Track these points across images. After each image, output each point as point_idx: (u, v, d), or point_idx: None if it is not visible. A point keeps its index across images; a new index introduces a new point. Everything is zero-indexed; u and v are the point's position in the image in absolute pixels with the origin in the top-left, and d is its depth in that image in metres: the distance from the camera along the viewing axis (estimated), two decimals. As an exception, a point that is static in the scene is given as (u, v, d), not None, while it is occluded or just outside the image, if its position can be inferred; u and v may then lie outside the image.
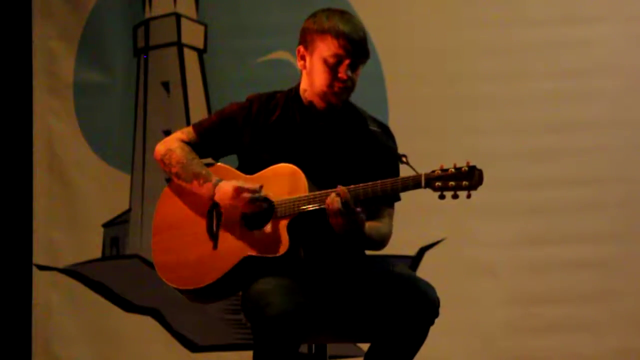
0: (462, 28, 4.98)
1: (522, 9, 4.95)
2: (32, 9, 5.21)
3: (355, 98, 3.40)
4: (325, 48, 3.18)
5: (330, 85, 3.20)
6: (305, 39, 3.24)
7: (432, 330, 3.18)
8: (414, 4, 5.03)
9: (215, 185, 3.22)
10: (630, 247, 4.84)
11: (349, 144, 3.30)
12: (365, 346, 3.31)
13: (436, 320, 3.16)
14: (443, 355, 4.75)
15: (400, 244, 4.74)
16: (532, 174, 4.90)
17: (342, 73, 3.18)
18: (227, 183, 3.21)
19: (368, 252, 3.37)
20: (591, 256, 4.86)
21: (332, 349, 3.42)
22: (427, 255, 4.95)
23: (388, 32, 4.97)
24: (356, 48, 3.18)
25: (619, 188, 4.86)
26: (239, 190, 3.17)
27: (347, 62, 3.18)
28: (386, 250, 3.42)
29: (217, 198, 3.22)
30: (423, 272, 4.71)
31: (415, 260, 4.93)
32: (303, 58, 3.26)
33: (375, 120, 3.37)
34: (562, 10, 4.93)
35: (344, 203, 3.04)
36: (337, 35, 3.17)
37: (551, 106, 4.90)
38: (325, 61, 3.19)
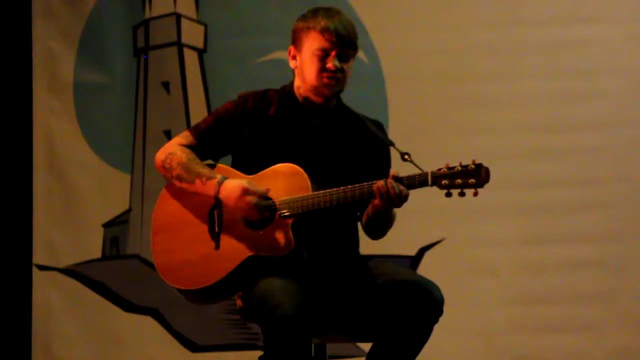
0: (462, 28, 4.98)
1: (522, 9, 4.95)
2: (32, 9, 5.21)
3: (356, 98, 3.41)
4: (312, 43, 3.27)
5: (319, 77, 3.27)
6: (295, 39, 3.34)
7: (433, 329, 3.18)
8: (414, 4, 5.03)
9: (220, 183, 3.22)
10: (630, 247, 4.84)
11: (347, 140, 3.33)
12: (365, 346, 3.31)
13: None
14: (443, 355, 4.75)
15: (400, 244, 4.79)
16: (532, 174, 4.89)
17: (330, 64, 3.26)
18: (233, 181, 3.22)
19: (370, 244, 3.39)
20: (591, 256, 4.86)
21: (332, 349, 3.42)
22: (427, 255, 4.94)
23: (388, 32, 4.98)
24: (340, 39, 3.26)
25: (619, 188, 4.86)
26: (244, 191, 3.18)
27: (333, 53, 3.26)
28: (386, 250, 3.41)
29: (222, 196, 3.21)
30: (423, 272, 4.66)
31: (415, 260, 4.93)
32: (294, 57, 3.35)
33: (369, 119, 3.40)
34: (562, 10, 4.93)
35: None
36: (322, 30, 3.26)
37: (551, 106, 4.90)
38: (313, 55, 3.27)
